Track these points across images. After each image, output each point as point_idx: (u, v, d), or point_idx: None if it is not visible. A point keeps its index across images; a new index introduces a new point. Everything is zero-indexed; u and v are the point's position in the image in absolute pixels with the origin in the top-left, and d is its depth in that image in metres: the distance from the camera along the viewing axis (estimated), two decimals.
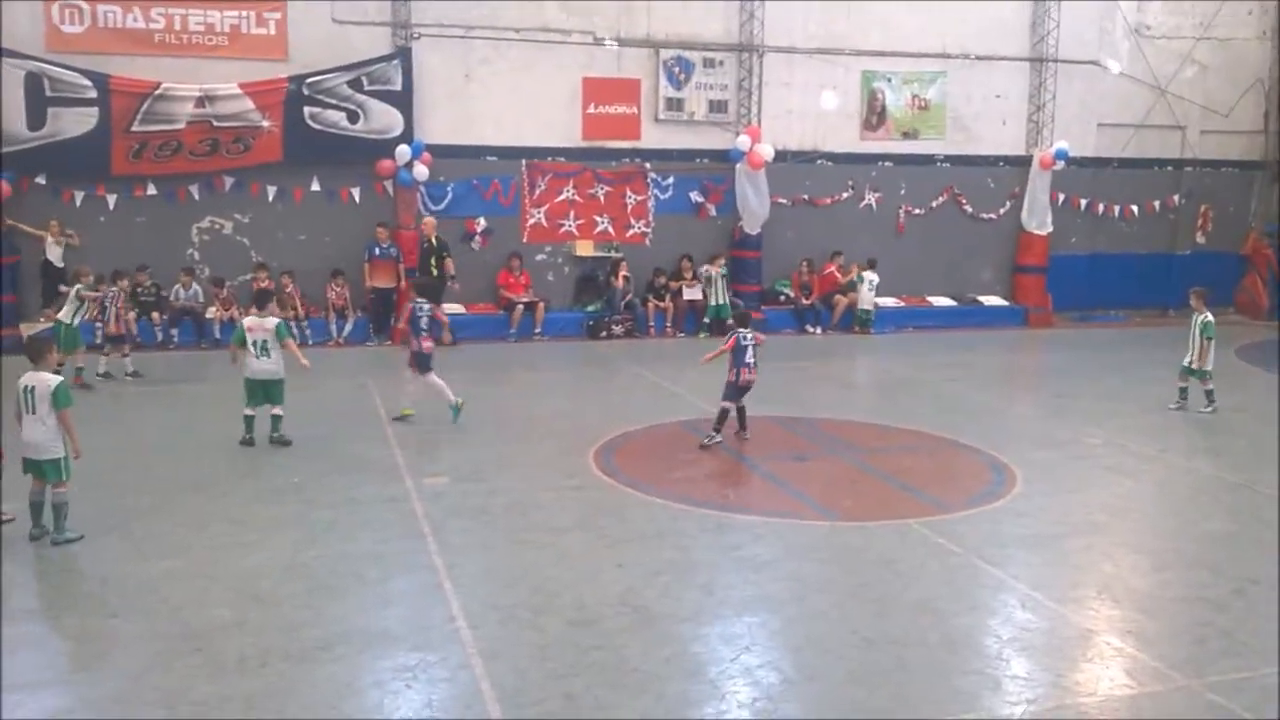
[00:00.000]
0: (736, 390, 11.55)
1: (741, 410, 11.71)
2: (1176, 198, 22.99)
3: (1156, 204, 22.85)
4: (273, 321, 11.30)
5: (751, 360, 11.47)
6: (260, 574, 7.69)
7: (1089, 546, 8.73)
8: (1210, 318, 13.55)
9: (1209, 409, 13.50)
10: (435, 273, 17.93)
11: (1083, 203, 22.36)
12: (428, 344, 12.48)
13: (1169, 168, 22.99)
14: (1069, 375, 16.88)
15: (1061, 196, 21.97)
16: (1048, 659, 6.64)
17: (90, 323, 14.52)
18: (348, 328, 18.21)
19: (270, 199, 18.16)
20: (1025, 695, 6.14)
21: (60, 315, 13.81)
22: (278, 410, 11.28)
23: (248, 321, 11.42)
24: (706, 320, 19.56)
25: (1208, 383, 13.55)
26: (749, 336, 11.59)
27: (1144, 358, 17.70)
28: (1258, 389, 15.64)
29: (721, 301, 19.50)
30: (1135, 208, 22.67)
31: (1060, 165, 21.32)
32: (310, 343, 17.27)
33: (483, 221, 19.21)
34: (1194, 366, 13.55)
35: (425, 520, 8.94)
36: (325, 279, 18.08)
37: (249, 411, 11.24)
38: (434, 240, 18.21)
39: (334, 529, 8.73)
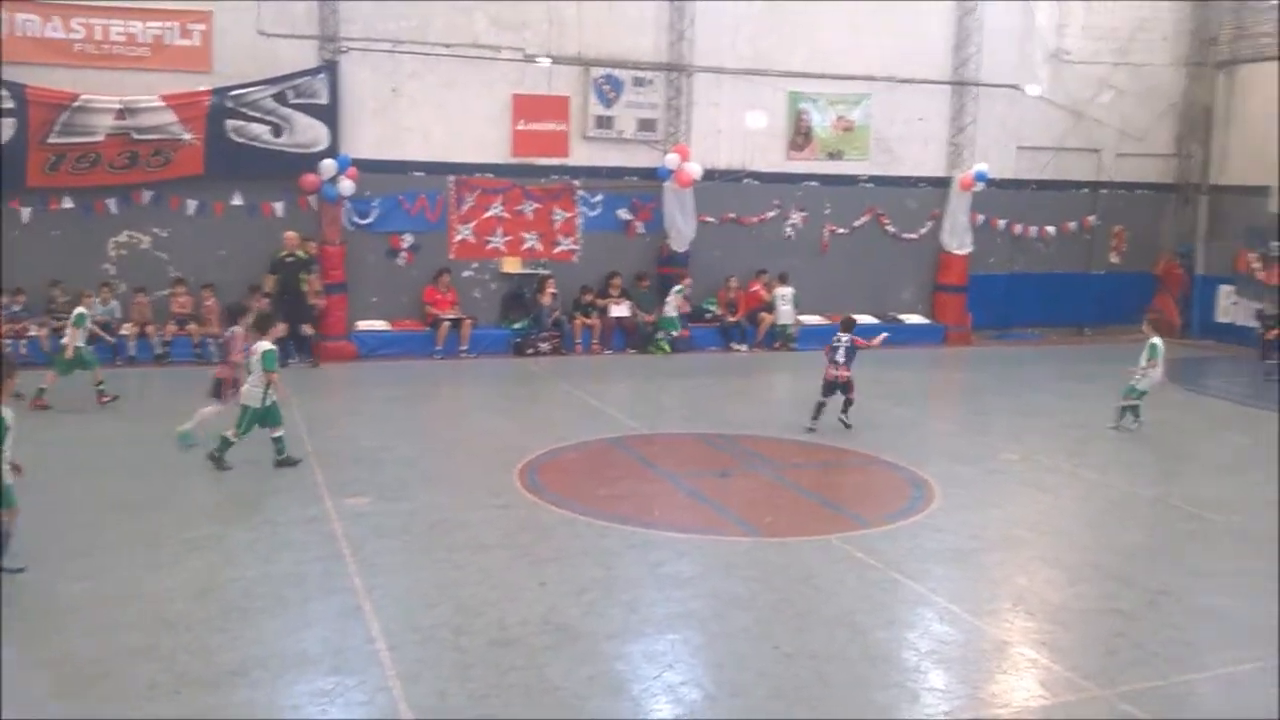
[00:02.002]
0: (823, 385, 13.26)
1: (848, 402, 13.24)
2: (1092, 219, 23.55)
3: (1073, 225, 23.34)
4: (262, 347, 10.89)
5: (841, 359, 13.11)
6: (174, 597, 7.53)
7: (1005, 560, 8.91)
8: (1157, 341, 13.68)
9: (1112, 425, 13.69)
10: (302, 290, 17.36)
11: (1001, 223, 22.76)
12: (220, 370, 11.82)
13: (1085, 189, 23.53)
14: (987, 392, 17.22)
15: (981, 217, 22.36)
16: (964, 671, 6.75)
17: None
18: None
19: (190, 213, 17.79)
20: (942, 707, 6.24)
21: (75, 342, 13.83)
22: (229, 432, 10.86)
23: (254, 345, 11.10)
24: (660, 336, 19.53)
25: (1130, 400, 13.67)
26: (844, 339, 13.27)
27: (1060, 374, 18.11)
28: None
29: (671, 315, 19.57)
30: (1052, 228, 23.12)
31: (980, 187, 21.71)
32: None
33: (409, 237, 19.03)
34: (1131, 382, 13.64)
35: (345, 540, 8.82)
36: (246, 294, 17.71)
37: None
38: (299, 254, 17.45)
39: (252, 550, 8.58)
